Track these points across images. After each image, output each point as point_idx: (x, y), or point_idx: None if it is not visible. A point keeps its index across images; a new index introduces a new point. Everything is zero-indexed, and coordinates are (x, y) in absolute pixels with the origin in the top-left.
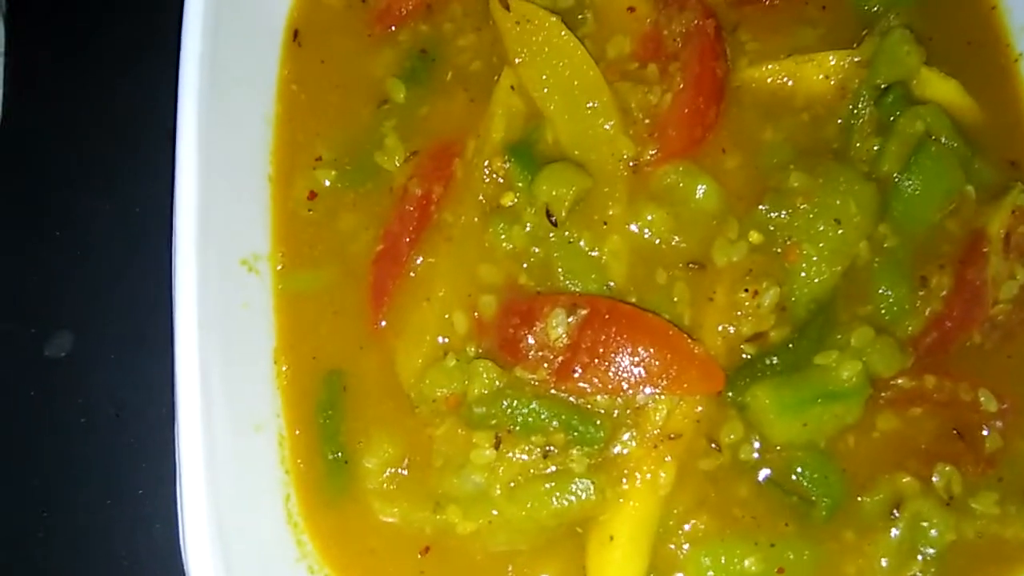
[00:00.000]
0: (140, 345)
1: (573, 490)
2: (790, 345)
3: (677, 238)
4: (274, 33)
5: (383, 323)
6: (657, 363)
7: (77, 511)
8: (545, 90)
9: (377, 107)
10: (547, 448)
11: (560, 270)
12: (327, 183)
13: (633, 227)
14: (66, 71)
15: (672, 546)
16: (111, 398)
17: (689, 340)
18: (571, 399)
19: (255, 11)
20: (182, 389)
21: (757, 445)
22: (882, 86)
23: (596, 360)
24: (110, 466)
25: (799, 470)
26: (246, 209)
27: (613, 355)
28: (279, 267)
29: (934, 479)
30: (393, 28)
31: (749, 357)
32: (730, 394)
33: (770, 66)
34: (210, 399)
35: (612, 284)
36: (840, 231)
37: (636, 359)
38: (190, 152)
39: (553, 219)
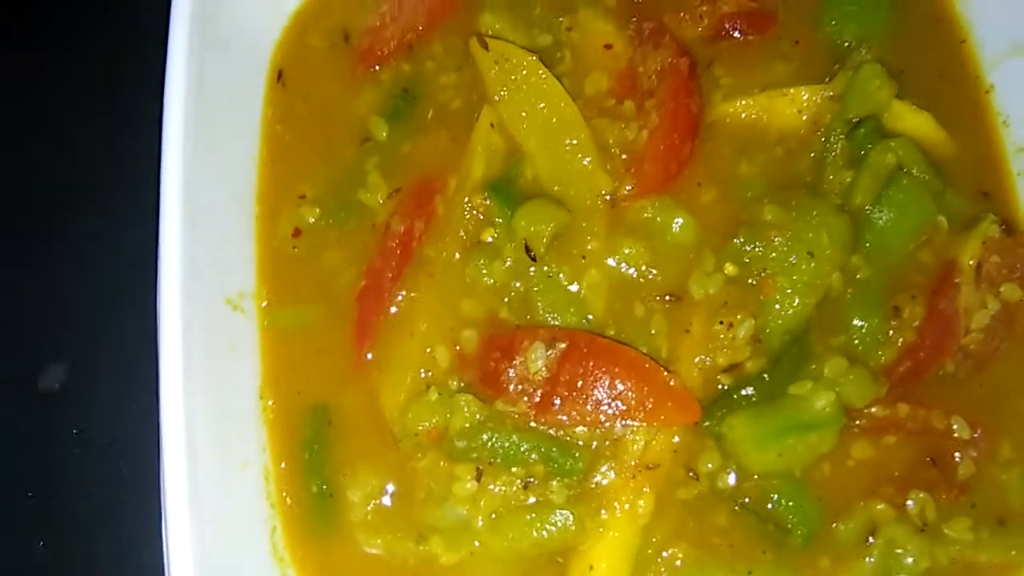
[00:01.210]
0: (132, 375)
1: (553, 521)
2: (765, 376)
3: (654, 271)
4: (258, 73)
5: (367, 358)
6: (634, 396)
7: (70, 540)
8: (524, 127)
9: (360, 145)
10: (527, 480)
11: (540, 304)
12: (311, 220)
13: (611, 261)
14: (54, 100)
15: (651, 575)
16: (104, 428)
17: (665, 373)
18: (551, 431)
19: (240, 52)
20: (167, 428)
21: (734, 474)
22: (854, 120)
23: (575, 393)
24: (102, 496)
25: (775, 498)
26: (231, 247)
27: (591, 388)
28: (264, 304)
29: (908, 506)
30: (376, 68)
31: (725, 388)
32: (707, 424)
33: (744, 101)
34: (195, 436)
35: (591, 317)
36: (813, 263)
37: (614, 392)
38: (174, 193)
39: (532, 254)
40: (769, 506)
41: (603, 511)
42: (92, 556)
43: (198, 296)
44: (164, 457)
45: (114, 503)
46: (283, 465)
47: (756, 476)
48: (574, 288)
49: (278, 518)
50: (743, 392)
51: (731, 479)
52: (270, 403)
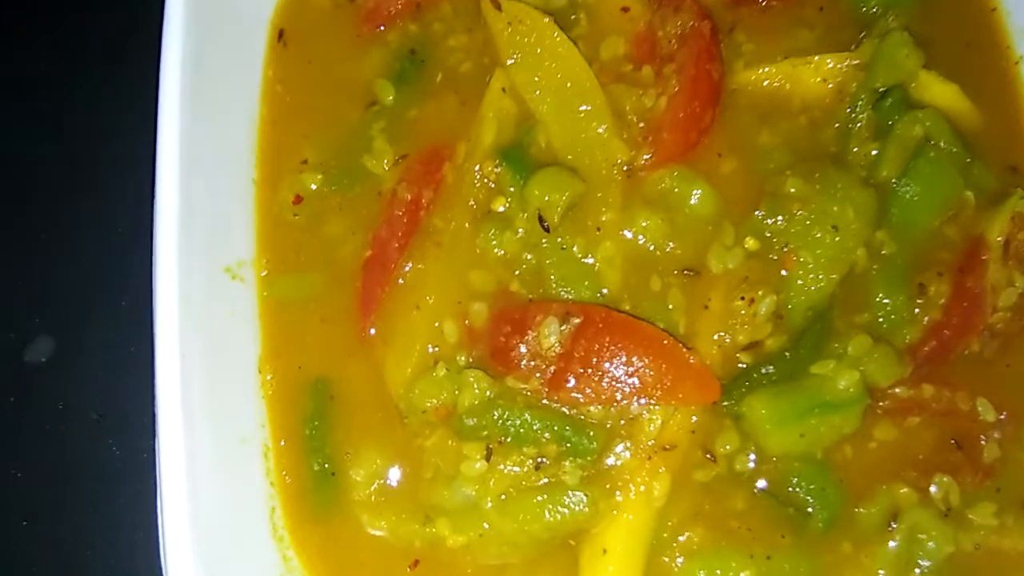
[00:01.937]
0: (122, 350)
1: (566, 502)
2: (787, 354)
3: (672, 244)
4: (258, 33)
5: (371, 331)
6: (652, 373)
7: (58, 518)
8: (537, 92)
9: (365, 109)
10: (539, 460)
11: (553, 277)
12: (313, 187)
13: (627, 233)
14: (47, 73)
15: (666, 559)
16: (92, 404)
17: (684, 350)
18: (564, 409)
19: (238, 10)
20: (162, 403)
21: (753, 456)
22: (880, 90)
23: (590, 370)
24: (91, 473)
25: (795, 481)
26: (230, 214)
27: (607, 365)
28: (264, 273)
29: (932, 490)
30: (382, 28)
31: (745, 366)
32: (726, 404)
33: (767, 69)
34: (192, 412)
35: (606, 291)
36: (837, 238)
37: (631, 369)
38: (171, 158)
39: (546, 225)
40: (789, 489)
41: (617, 493)
42: (79, 536)
43: (195, 264)
44: (159, 431)
45: (102, 481)
46: (283, 442)
47: (776, 458)
48: (588, 261)
49: (278, 497)
50: (763, 371)
51: (750, 461)
52: (269, 377)
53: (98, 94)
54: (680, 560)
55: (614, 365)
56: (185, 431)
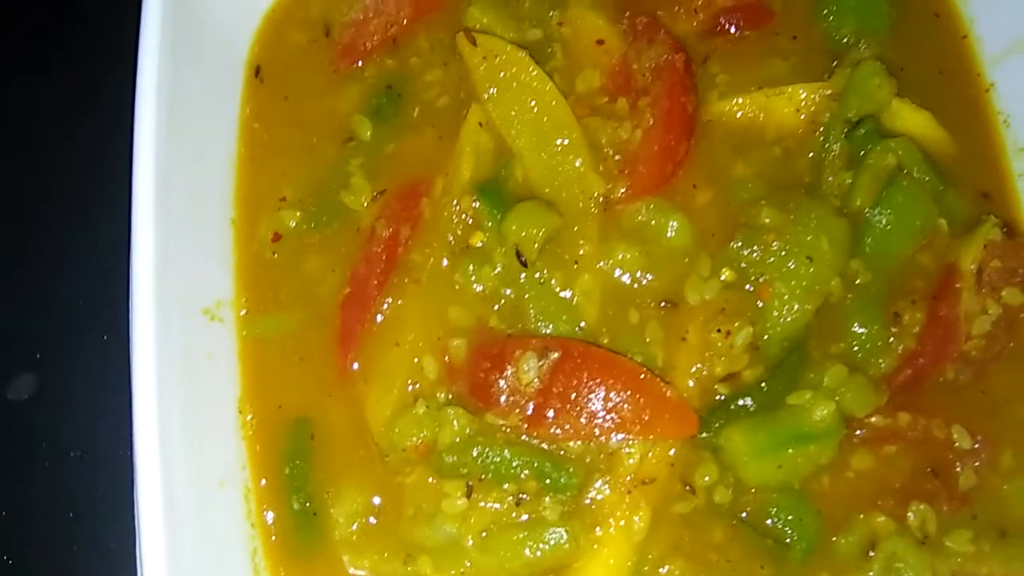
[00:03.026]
0: (104, 386)
1: (546, 538)
2: (763, 385)
3: (649, 276)
4: (235, 70)
5: (352, 368)
6: (630, 407)
7: (41, 556)
8: (514, 126)
9: (342, 145)
10: (519, 496)
11: (531, 311)
12: (292, 224)
13: (604, 266)
14: (25, 110)
15: None
16: (75, 441)
17: (662, 383)
18: (543, 445)
19: (215, 47)
20: (140, 447)
21: (732, 488)
22: (853, 119)
23: (568, 405)
24: (74, 510)
25: (774, 512)
26: (208, 254)
27: (586, 400)
28: (243, 312)
29: (909, 518)
30: (358, 63)
31: (723, 398)
32: (704, 436)
33: (740, 99)
34: (170, 455)
35: (584, 325)
36: (812, 268)
37: (609, 404)
38: (146, 200)
39: (523, 259)
40: (767, 520)
41: (598, 528)
42: (65, 570)
43: (173, 307)
44: (137, 479)
45: (87, 519)
46: (263, 482)
47: (754, 489)
48: (566, 295)
49: (259, 538)
50: (741, 402)
51: (729, 493)
52: (249, 417)
53: (76, 131)
54: None
55: (592, 400)
56: (163, 476)
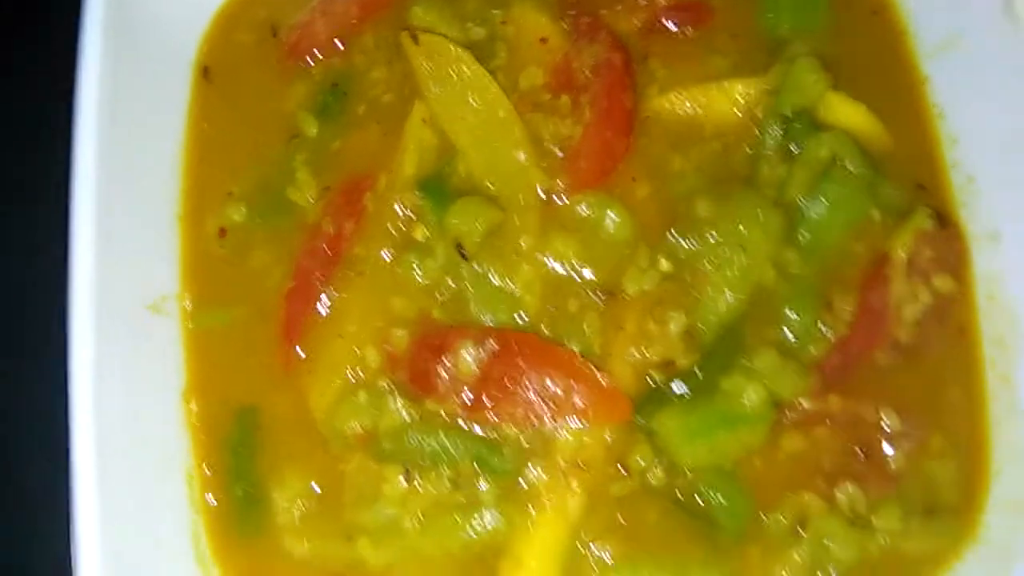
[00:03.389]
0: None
1: (483, 520)
2: (697, 371)
3: (589, 268)
4: (183, 69)
5: (296, 359)
6: (564, 394)
7: None
8: (457, 123)
9: (288, 142)
10: (457, 480)
11: (473, 303)
12: (238, 220)
13: (545, 258)
14: None
15: (583, 572)
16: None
17: (596, 371)
18: (481, 431)
19: (163, 48)
20: (77, 437)
21: (666, 470)
22: (789, 114)
23: (505, 392)
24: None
25: (706, 493)
26: (153, 249)
27: (522, 387)
28: (188, 306)
29: (838, 497)
30: (305, 62)
31: (658, 384)
32: (639, 421)
33: (679, 95)
34: (108, 442)
35: (525, 316)
36: (746, 258)
37: (544, 391)
38: (87, 196)
39: (464, 253)
40: (700, 501)
41: (533, 510)
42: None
43: (114, 301)
44: (73, 467)
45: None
46: (207, 470)
47: (687, 471)
48: (507, 286)
49: (202, 523)
50: (675, 388)
51: (663, 475)
52: (194, 407)
53: (17, 123)
54: (596, 573)
55: (529, 387)
56: (98, 463)
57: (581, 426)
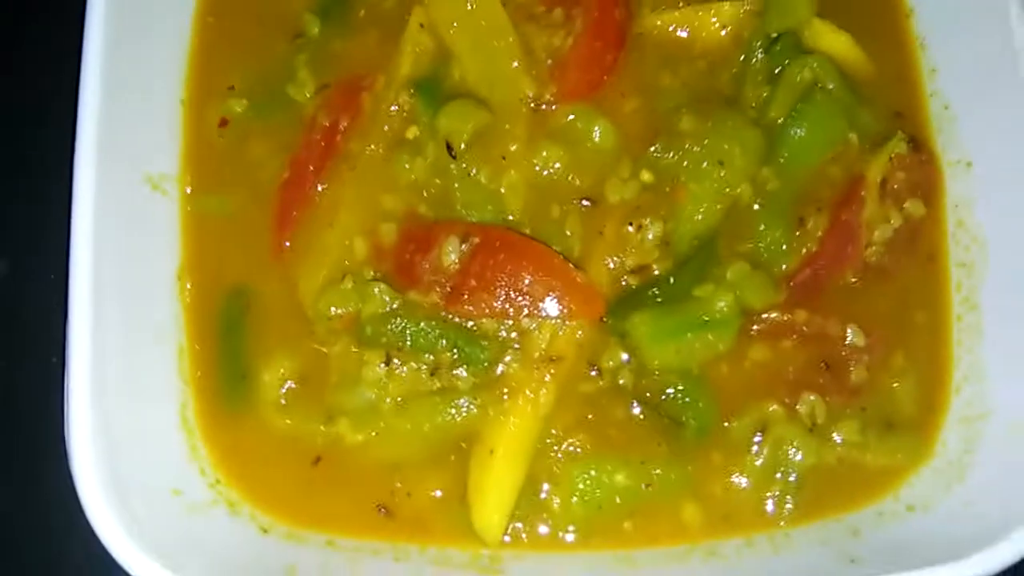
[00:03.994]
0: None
1: (457, 406)
2: (671, 278)
3: (572, 175)
4: None
5: (287, 246)
6: (540, 288)
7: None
8: (453, 29)
9: (291, 41)
10: (435, 367)
11: (459, 201)
12: (239, 111)
13: (531, 163)
14: None
15: (550, 461)
16: (44, 324)
17: (572, 267)
18: (460, 322)
19: None
20: (74, 294)
21: (635, 371)
22: (774, 35)
23: (484, 285)
24: (43, 388)
25: (672, 394)
26: (156, 130)
27: (500, 280)
28: (187, 189)
29: (799, 407)
30: None
31: (632, 288)
32: (611, 322)
33: (670, 14)
34: (103, 306)
35: (509, 217)
36: (723, 172)
37: (521, 285)
38: (95, 67)
39: (452, 151)
40: (665, 400)
41: (506, 399)
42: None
43: (116, 167)
44: (70, 316)
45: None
46: (198, 346)
47: (655, 372)
48: (493, 187)
49: (190, 394)
50: (649, 292)
51: (632, 375)
52: (188, 285)
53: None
54: (562, 462)
55: (507, 281)
56: (93, 323)
57: (556, 321)
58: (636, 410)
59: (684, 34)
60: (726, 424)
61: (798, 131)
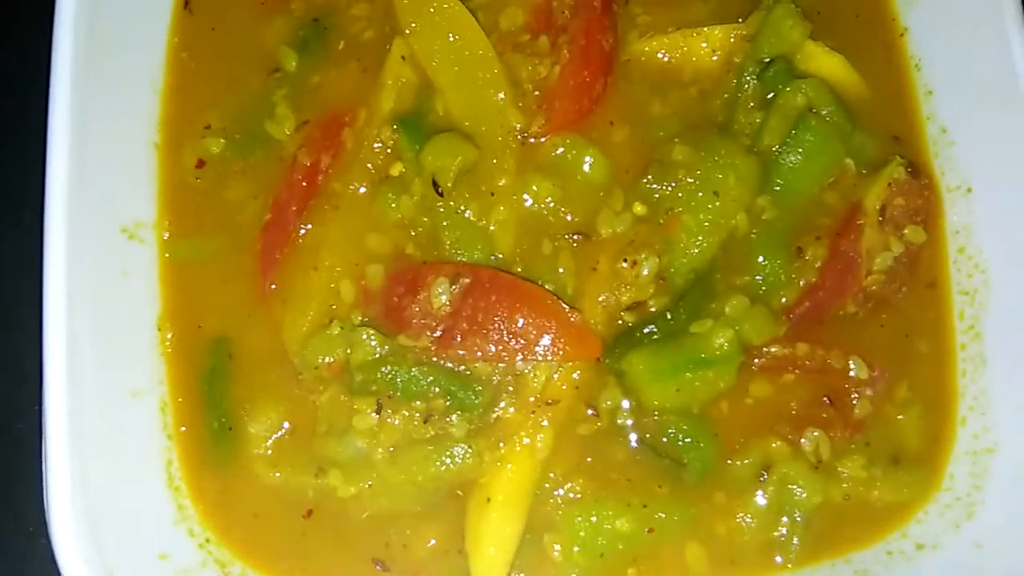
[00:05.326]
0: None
1: (452, 454)
2: (668, 314)
3: (563, 209)
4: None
5: (271, 291)
6: (535, 331)
7: None
8: (436, 60)
9: (268, 76)
10: (428, 414)
11: (447, 240)
12: (216, 151)
13: (520, 198)
14: None
15: (549, 508)
16: (16, 365)
17: (567, 308)
18: (452, 366)
19: None
20: (49, 353)
21: (633, 411)
22: (766, 60)
23: (476, 328)
24: (14, 434)
25: (672, 434)
26: (129, 177)
27: (492, 323)
28: (165, 235)
29: (803, 444)
30: None
31: (628, 325)
32: (608, 361)
33: (659, 40)
34: (79, 364)
35: (499, 255)
36: (718, 203)
37: (515, 327)
38: (62, 118)
39: (439, 189)
40: (666, 441)
41: (502, 445)
42: None
43: (87, 221)
44: (45, 377)
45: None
46: (180, 399)
47: (655, 413)
48: (482, 224)
49: (175, 450)
50: (645, 330)
51: (630, 416)
52: (169, 336)
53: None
54: (561, 508)
55: (499, 323)
56: (69, 381)
57: (551, 363)
58: (636, 451)
59: (672, 60)
60: (729, 463)
61: (793, 158)
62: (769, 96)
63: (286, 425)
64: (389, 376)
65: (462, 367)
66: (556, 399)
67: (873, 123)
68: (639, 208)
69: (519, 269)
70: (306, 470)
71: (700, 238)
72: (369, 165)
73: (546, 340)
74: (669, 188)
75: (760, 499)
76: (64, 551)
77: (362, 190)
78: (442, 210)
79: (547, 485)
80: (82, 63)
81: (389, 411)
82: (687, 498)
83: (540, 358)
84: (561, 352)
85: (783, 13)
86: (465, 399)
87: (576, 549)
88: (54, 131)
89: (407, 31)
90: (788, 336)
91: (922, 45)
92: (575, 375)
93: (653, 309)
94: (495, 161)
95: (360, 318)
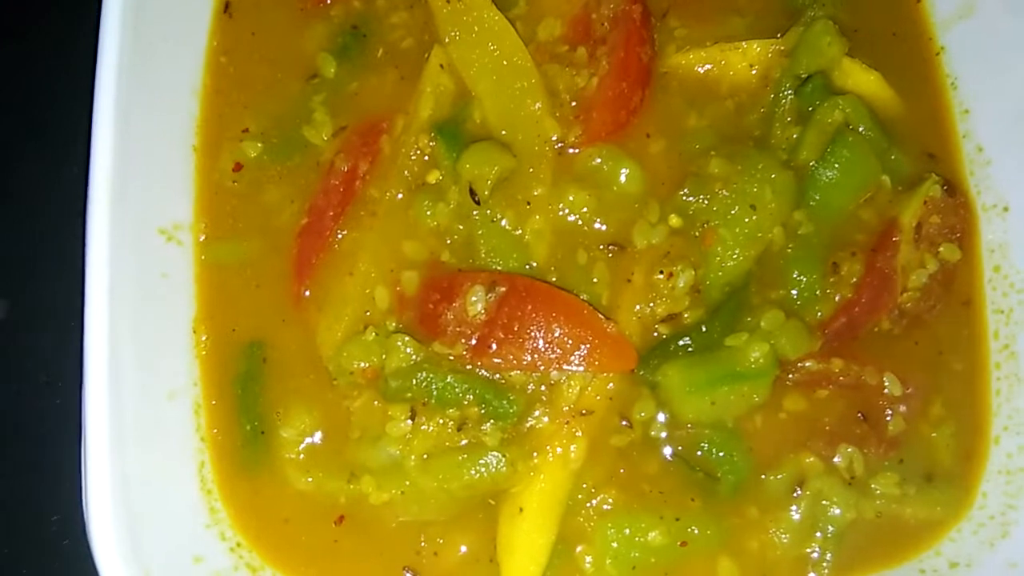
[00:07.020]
0: (75, 315)
1: (485, 462)
2: (703, 327)
3: (599, 220)
4: (205, 3)
5: (306, 296)
6: (571, 341)
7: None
8: (474, 69)
9: (307, 82)
10: (461, 421)
11: (482, 248)
12: (253, 155)
13: (556, 208)
14: None
15: (581, 518)
16: (43, 366)
17: (603, 319)
18: (486, 374)
19: None
20: (90, 353)
21: (667, 423)
22: (803, 76)
23: (511, 336)
24: (39, 433)
25: (706, 447)
26: (168, 179)
27: (528, 332)
28: (202, 238)
29: (837, 460)
30: (326, 2)
31: (663, 337)
32: (642, 373)
33: (697, 53)
34: (119, 364)
35: (534, 264)
36: (755, 217)
37: (550, 336)
38: (106, 119)
39: (476, 197)
40: (700, 455)
41: (535, 455)
42: (26, 491)
43: (128, 222)
44: (86, 377)
45: (51, 438)
46: (214, 401)
47: (689, 425)
48: (518, 233)
49: (207, 452)
50: (680, 342)
51: (664, 428)
52: (204, 338)
53: (44, 56)
54: (594, 520)
55: (535, 333)
56: (110, 382)
57: (586, 373)
58: (669, 464)
59: (710, 73)
60: (762, 477)
61: (830, 173)
62: (807, 111)
63: (319, 431)
64: (424, 383)
65: (496, 375)
66: (590, 410)
67: (909, 140)
68: (675, 220)
69: (554, 279)
70: (338, 476)
71: (736, 251)
72: (406, 172)
73: (582, 351)
74: (705, 201)
75: (793, 514)
76: (102, 550)
77: (399, 197)
78: (478, 218)
79: (580, 496)
80: (126, 65)
81: (423, 418)
82: (720, 512)
83: (576, 369)
84: (597, 363)
85: (821, 29)
86: (499, 408)
87: (608, 561)
88: (98, 132)
89: (447, 40)
90: (823, 351)
91: (958, 64)
92: (609, 386)
93: (688, 321)
94: (531, 170)
95: (395, 324)
